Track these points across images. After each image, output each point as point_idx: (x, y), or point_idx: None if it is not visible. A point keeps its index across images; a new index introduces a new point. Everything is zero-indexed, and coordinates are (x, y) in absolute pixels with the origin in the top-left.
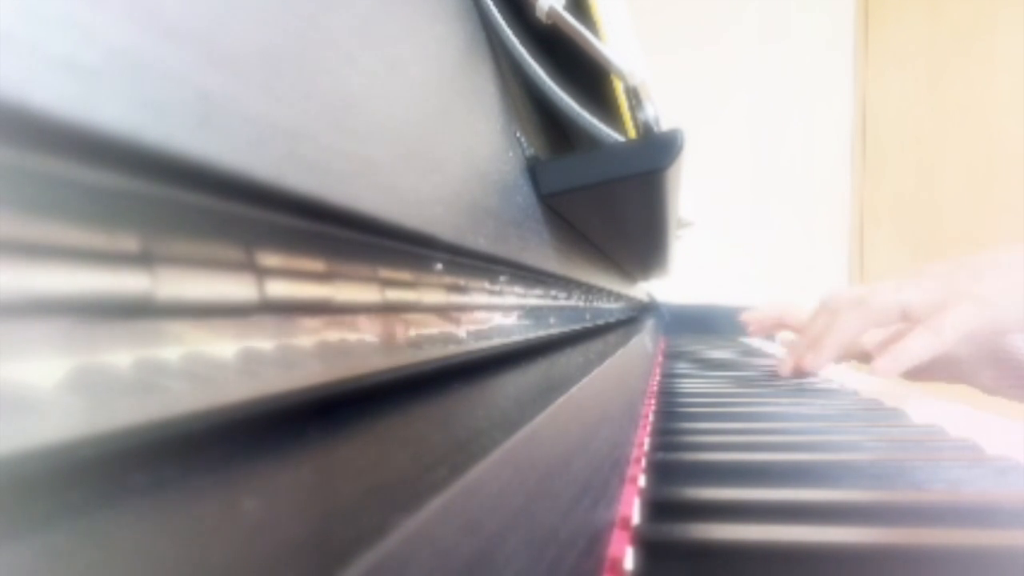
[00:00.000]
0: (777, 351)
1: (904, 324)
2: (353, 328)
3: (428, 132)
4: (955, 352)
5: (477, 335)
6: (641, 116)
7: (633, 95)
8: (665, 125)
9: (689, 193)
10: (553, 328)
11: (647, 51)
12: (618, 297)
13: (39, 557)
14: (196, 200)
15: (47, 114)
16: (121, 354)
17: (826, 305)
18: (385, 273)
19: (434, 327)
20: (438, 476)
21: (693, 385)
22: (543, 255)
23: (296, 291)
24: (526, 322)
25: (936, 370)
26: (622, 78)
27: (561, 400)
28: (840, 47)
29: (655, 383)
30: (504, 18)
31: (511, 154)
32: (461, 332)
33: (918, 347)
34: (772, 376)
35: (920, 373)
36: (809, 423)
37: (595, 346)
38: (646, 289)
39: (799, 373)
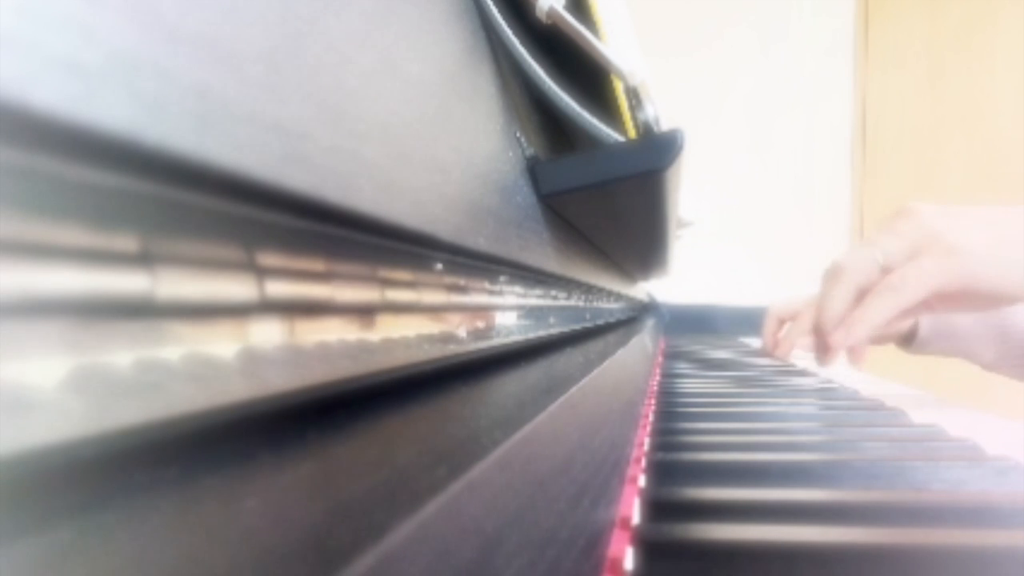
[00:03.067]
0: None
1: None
2: (353, 328)
3: (428, 132)
4: (953, 323)
5: (477, 335)
6: (641, 116)
7: (633, 95)
8: (665, 125)
9: (689, 193)
10: (553, 328)
11: (648, 50)
12: (618, 297)
13: (39, 557)
14: (196, 200)
15: (47, 114)
16: (121, 354)
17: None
18: (385, 273)
19: (434, 327)
20: (438, 476)
21: (693, 385)
22: (543, 255)
23: (296, 291)
24: (526, 322)
25: (932, 341)
26: (622, 78)
27: (561, 400)
28: (840, 47)
29: (655, 383)
30: (504, 18)
31: (511, 154)
32: (461, 332)
33: (874, 312)
34: (772, 374)
35: (887, 336)
36: (809, 423)
37: (595, 346)
38: (646, 289)
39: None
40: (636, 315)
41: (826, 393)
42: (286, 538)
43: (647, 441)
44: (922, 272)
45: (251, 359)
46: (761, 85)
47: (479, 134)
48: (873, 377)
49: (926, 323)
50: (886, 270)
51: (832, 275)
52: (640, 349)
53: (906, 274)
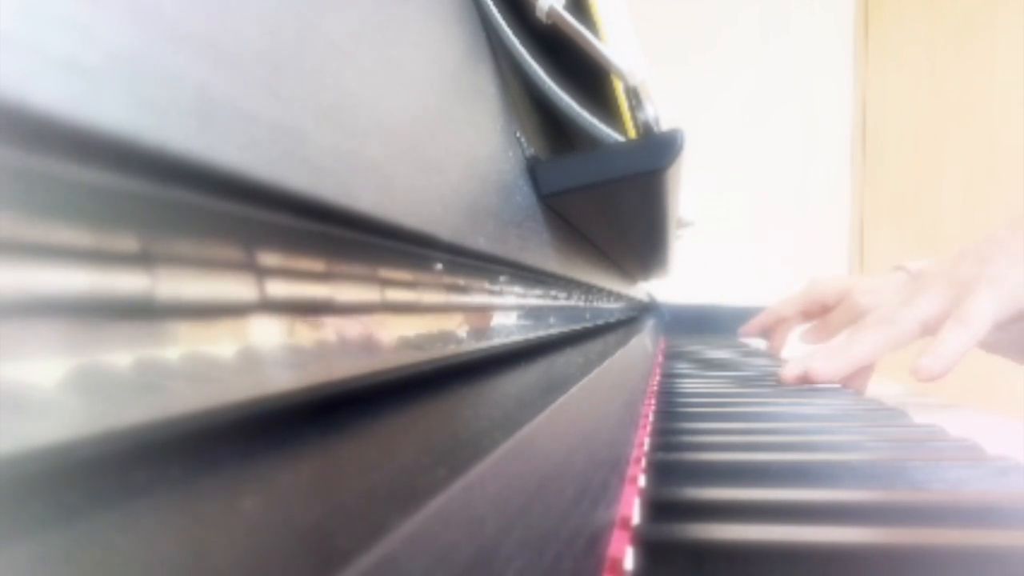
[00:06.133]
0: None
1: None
2: (353, 328)
3: (428, 132)
4: (994, 342)
5: (477, 335)
6: (641, 116)
7: (633, 95)
8: (665, 125)
9: (689, 193)
10: (553, 328)
11: (648, 50)
12: (618, 297)
13: (39, 557)
14: (196, 200)
15: (47, 114)
16: (121, 354)
17: (827, 296)
18: (385, 273)
19: (434, 327)
20: (438, 476)
21: (693, 385)
22: (543, 255)
23: (296, 291)
24: (526, 322)
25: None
26: (622, 78)
27: (561, 400)
28: (840, 46)
29: (655, 383)
30: (504, 18)
31: (511, 154)
32: (461, 332)
33: (954, 343)
34: (774, 377)
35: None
36: (809, 423)
37: (595, 346)
38: (646, 289)
39: (805, 381)
40: (636, 315)
41: (826, 393)
42: (286, 538)
43: (647, 441)
44: (981, 308)
45: (251, 359)
46: (761, 85)
47: (479, 134)
48: (872, 377)
49: None
50: (928, 331)
51: (873, 325)
52: (640, 349)
53: (968, 312)
